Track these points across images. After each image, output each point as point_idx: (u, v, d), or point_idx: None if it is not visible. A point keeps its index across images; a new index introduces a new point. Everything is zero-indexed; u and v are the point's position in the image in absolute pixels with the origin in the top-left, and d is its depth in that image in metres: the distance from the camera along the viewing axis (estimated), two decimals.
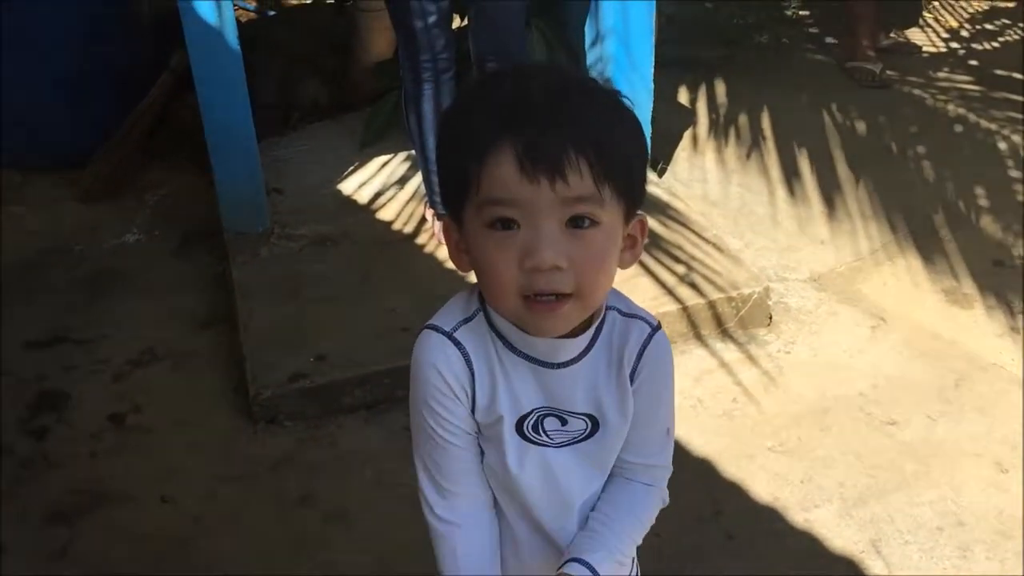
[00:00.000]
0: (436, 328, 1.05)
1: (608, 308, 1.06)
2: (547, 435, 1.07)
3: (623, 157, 0.95)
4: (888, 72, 4.11)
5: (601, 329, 1.05)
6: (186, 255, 3.04)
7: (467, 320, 1.05)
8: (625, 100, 0.98)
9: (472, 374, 1.03)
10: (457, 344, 1.03)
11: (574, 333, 1.02)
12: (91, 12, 3.36)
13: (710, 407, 2.41)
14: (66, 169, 3.44)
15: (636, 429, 1.10)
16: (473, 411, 1.05)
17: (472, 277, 1.01)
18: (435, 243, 2.88)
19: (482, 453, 1.10)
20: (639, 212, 1.00)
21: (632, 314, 1.07)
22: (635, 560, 1.19)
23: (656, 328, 1.08)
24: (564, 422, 1.06)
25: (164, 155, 3.54)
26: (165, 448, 2.30)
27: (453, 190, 0.97)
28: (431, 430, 1.06)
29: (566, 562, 1.09)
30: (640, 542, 1.15)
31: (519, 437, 1.06)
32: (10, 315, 2.77)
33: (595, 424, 1.07)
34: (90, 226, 3.19)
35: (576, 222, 0.93)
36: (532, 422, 1.06)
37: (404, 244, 2.91)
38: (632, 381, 1.07)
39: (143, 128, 3.42)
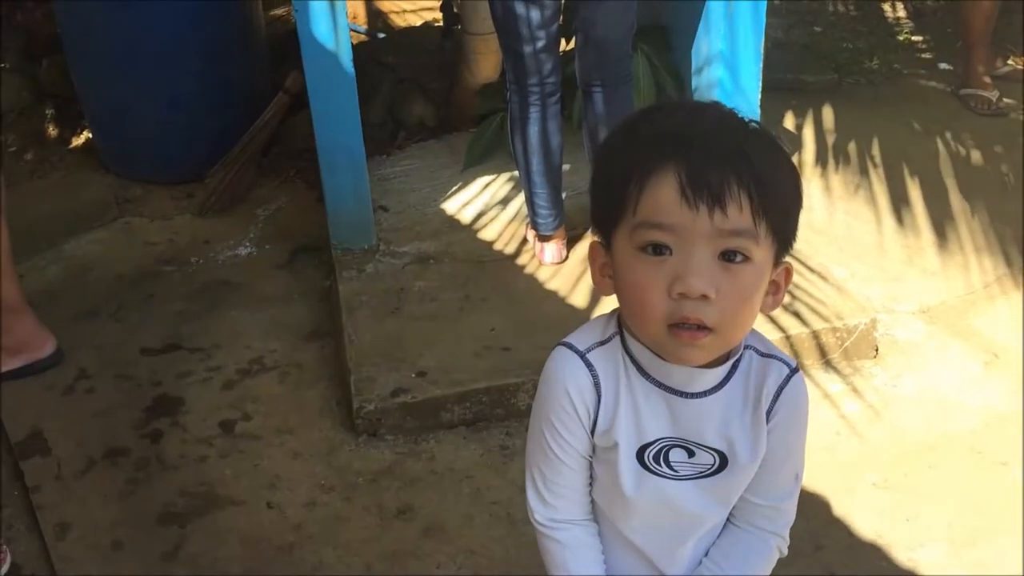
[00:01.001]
0: (571, 347, 1.07)
1: (746, 346, 1.06)
2: (670, 467, 1.07)
3: (782, 197, 0.96)
4: (1005, 100, 3.98)
5: (738, 365, 1.05)
6: (295, 269, 3.14)
7: (602, 343, 1.06)
8: (784, 145, 0.99)
9: (599, 397, 1.05)
10: (588, 365, 1.05)
11: (711, 364, 1.02)
12: (211, 35, 3.51)
13: (811, 440, 2.31)
14: (184, 183, 3.59)
15: (766, 472, 1.10)
16: (592, 432, 1.07)
17: (605, 304, 1.03)
18: (536, 264, 2.91)
19: (592, 478, 1.11)
20: (786, 259, 1.00)
21: (770, 354, 1.08)
22: None
23: (795, 370, 1.08)
24: (691, 454, 1.07)
25: (275, 171, 3.67)
26: (271, 456, 2.38)
27: (606, 211, 0.98)
28: (547, 445, 1.08)
29: None
30: None
31: (639, 465, 1.07)
32: (129, 322, 2.91)
33: (723, 460, 1.07)
34: (205, 239, 3.32)
35: (729, 256, 0.93)
36: (655, 452, 1.06)
37: (505, 264, 2.94)
38: (767, 421, 1.06)
39: (258, 146, 3.55)
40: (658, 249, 0.93)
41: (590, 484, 1.13)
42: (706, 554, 1.16)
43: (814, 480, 2.22)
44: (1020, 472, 2.24)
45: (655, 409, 1.05)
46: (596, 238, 1.03)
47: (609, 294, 1.03)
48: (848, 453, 2.32)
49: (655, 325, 0.96)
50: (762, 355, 1.07)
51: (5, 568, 2.04)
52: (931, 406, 2.46)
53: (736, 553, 1.14)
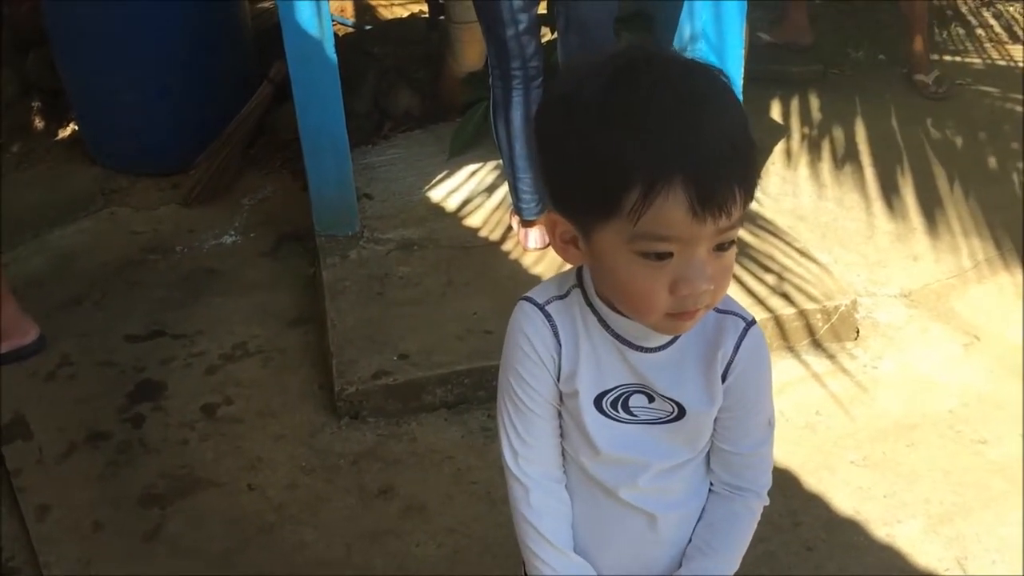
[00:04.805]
0: (530, 300, 1.10)
1: None
2: (630, 412, 1.09)
3: (757, 168, 0.98)
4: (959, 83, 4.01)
5: None
6: (279, 256, 3.14)
7: (560, 297, 1.09)
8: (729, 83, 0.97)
9: (559, 344, 1.08)
10: (547, 316, 1.08)
11: None
12: (195, 25, 3.51)
13: (793, 419, 2.37)
14: (170, 175, 3.60)
15: (738, 421, 1.12)
16: (558, 379, 1.09)
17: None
18: (519, 250, 2.92)
19: (563, 429, 1.13)
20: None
21: (727, 310, 1.09)
22: None
23: (751, 323, 1.09)
24: (652, 399, 1.09)
25: (261, 162, 3.67)
26: (253, 439, 2.38)
27: (588, 203, 0.95)
28: (515, 395, 1.11)
29: None
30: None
31: (597, 412, 1.09)
32: (112, 310, 2.91)
33: (681, 409, 1.09)
34: (190, 228, 3.32)
35: (722, 247, 0.95)
36: (613, 399, 1.08)
37: (489, 250, 2.95)
38: (728, 375, 1.08)
39: (242, 136, 3.55)
40: (661, 255, 0.94)
41: (561, 436, 1.14)
42: (694, 530, 1.18)
43: (794, 458, 2.23)
44: (997, 450, 2.25)
45: (612, 358, 1.07)
46: (555, 212, 1.01)
47: (576, 263, 1.05)
48: (828, 432, 2.33)
49: (655, 316, 0.98)
50: (720, 312, 1.08)
51: None
52: (911, 386, 2.47)
53: (720, 528, 1.16)
